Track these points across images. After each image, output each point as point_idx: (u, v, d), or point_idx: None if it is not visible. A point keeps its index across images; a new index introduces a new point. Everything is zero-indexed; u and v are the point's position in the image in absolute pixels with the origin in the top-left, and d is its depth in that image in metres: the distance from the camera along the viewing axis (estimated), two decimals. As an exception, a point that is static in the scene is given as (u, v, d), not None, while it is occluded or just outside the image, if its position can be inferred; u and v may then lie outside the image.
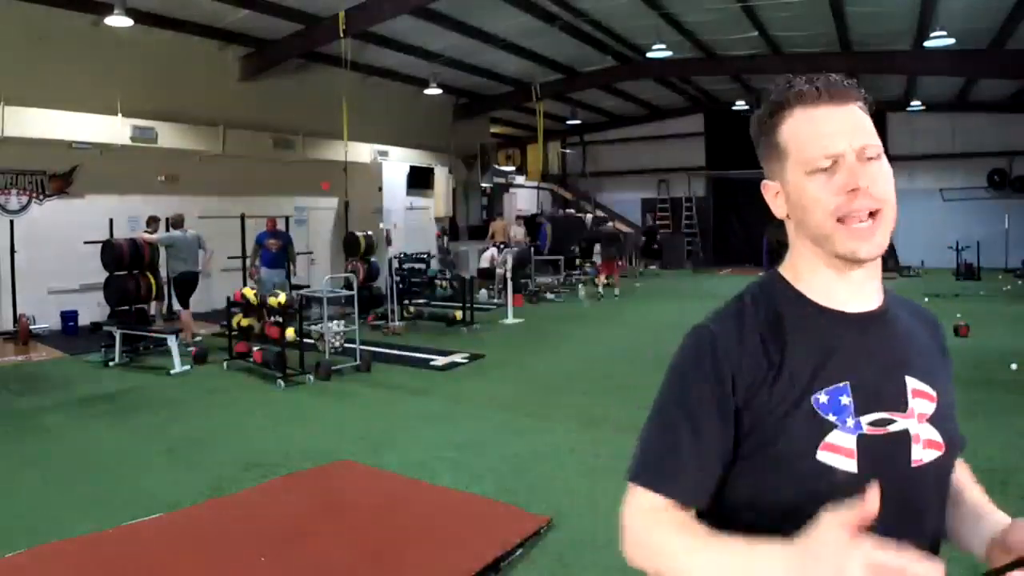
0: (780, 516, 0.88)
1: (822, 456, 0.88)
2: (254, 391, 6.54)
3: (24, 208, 9.78)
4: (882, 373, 0.92)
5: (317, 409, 5.90)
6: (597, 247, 18.09)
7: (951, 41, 10.33)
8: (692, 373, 0.92)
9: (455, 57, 13.53)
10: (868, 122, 0.94)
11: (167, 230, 8.85)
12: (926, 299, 11.60)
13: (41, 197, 9.95)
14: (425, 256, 12.17)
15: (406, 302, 10.65)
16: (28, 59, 9.43)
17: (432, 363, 7.57)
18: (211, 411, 5.83)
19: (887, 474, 0.86)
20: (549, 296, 13.15)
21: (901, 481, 0.88)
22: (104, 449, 4.83)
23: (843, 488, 0.85)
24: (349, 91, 11.55)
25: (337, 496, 4.00)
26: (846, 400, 0.89)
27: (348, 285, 8.07)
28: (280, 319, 6.97)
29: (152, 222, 9.17)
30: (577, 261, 17.56)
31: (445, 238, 15.38)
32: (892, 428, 0.90)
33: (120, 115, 10.27)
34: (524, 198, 21.99)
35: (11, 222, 9.52)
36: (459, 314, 9.79)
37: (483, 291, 12.92)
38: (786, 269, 1.00)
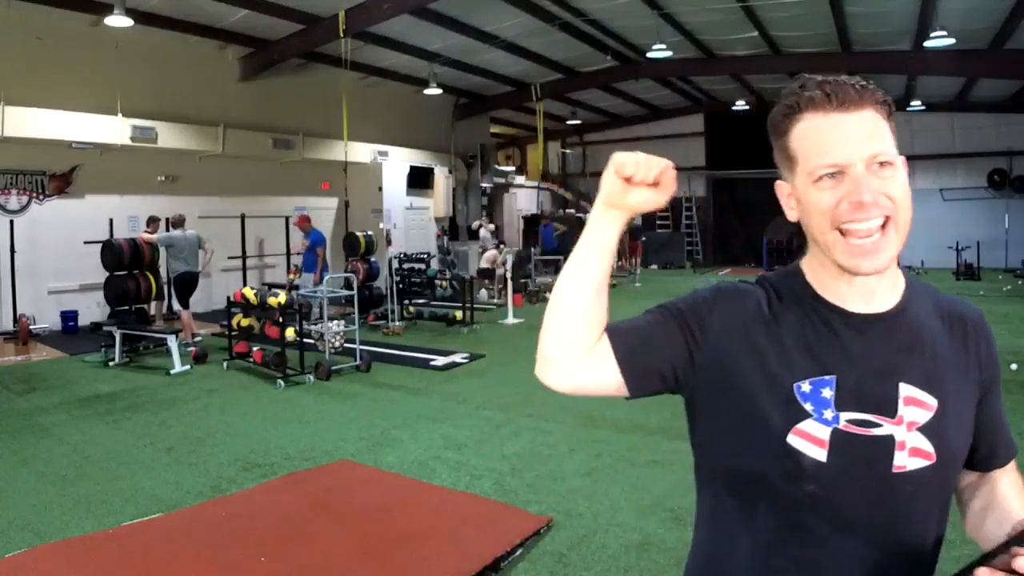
0: (752, 481, 0.95)
1: (792, 440, 0.92)
2: (254, 391, 6.54)
3: (24, 208, 9.77)
4: (874, 376, 0.93)
5: (317, 409, 5.89)
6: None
7: (951, 41, 10.31)
8: (687, 299, 1.05)
9: (455, 57, 13.50)
10: (883, 127, 0.92)
11: (167, 230, 8.85)
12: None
13: (41, 197, 9.95)
14: (425, 256, 12.18)
15: (406, 302, 10.66)
16: (28, 59, 9.42)
17: (432, 363, 7.57)
18: (211, 411, 5.83)
19: (860, 472, 0.91)
20: (549, 296, 13.13)
21: (876, 482, 0.91)
22: (104, 449, 4.83)
23: (810, 472, 0.91)
24: (349, 91, 11.56)
25: (337, 496, 4.00)
26: (828, 393, 0.92)
27: (348, 285, 8.07)
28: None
29: (152, 222, 9.18)
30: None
31: (445, 238, 15.37)
32: (876, 431, 0.91)
33: (120, 115, 10.26)
34: (524, 198, 21.97)
35: (11, 222, 9.52)
36: (459, 314, 9.79)
37: (483, 291, 12.92)
38: (805, 262, 1.03)
